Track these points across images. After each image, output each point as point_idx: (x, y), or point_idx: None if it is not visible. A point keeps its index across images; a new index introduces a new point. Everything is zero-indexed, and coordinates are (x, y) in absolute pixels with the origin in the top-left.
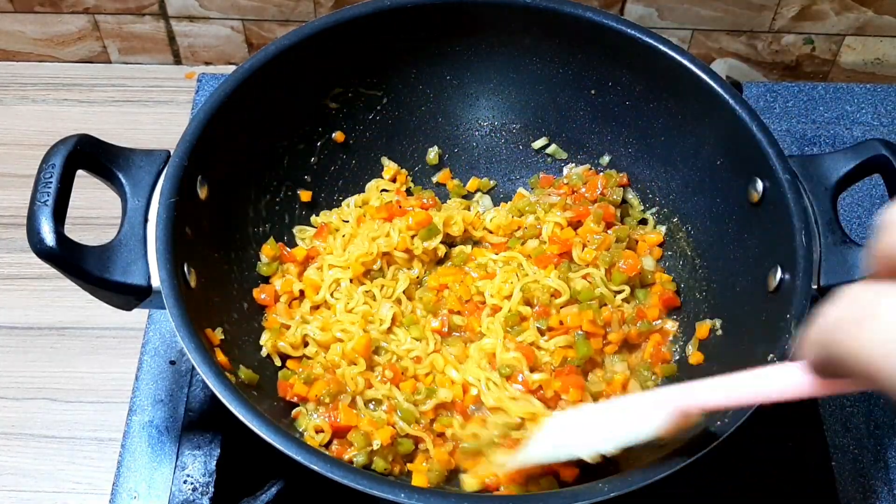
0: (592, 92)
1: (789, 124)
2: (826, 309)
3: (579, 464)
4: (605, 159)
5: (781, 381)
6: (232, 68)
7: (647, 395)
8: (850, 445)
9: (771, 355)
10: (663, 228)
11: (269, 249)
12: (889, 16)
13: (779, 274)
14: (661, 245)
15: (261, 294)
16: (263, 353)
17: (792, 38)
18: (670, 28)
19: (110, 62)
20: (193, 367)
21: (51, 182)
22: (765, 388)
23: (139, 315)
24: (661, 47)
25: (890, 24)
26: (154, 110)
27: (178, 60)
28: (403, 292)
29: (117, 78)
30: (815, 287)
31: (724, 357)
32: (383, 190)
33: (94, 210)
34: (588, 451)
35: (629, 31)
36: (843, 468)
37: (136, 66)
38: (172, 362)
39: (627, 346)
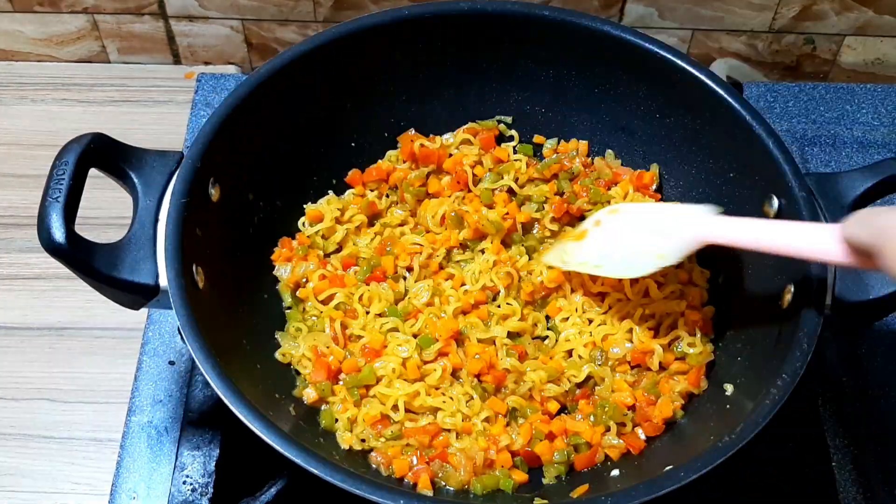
0: (608, 105)
1: (789, 124)
2: (888, 211)
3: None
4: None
5: (814, 240)
6: (231, 68)
7: (682, 212)
8: (850, 445)
9: (784, 375)
10: None
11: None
12: (889, 16)
13: (792, 291)
14: None
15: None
16: (277, 355)
17: (792, 38)
18: (670, 28)
19: (109, 62)
20: (193, 368)
21: (63, 179)
22: (796, 241)
23: (139, 315)
24: (680, 62)
25: (890, 23)
26: (153, 110)
27: (177, 60)
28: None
29: (116, 78)
30: (828, 305)
31: (735, 372)
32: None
33: (94, 210)
34: (615, 270)
35: (646, 45)
36: (843, 468)
37: (135, 66)
38: (172, 363)
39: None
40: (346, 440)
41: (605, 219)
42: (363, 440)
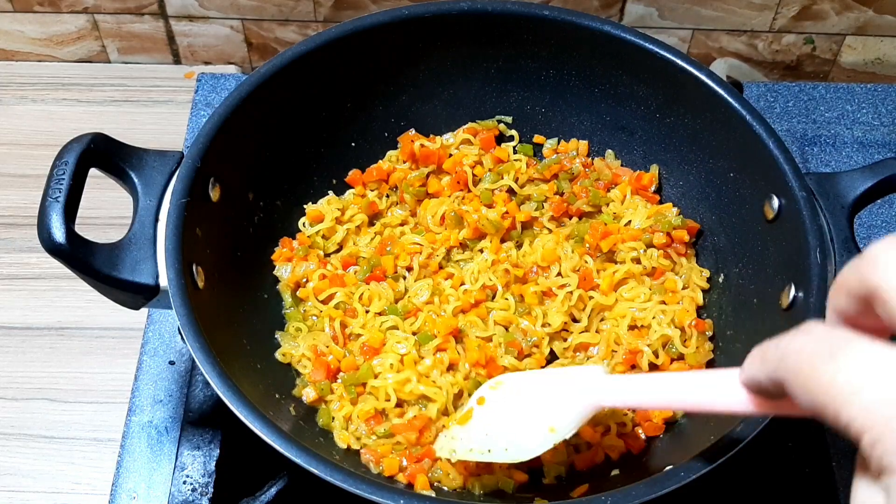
0: (608, 105)
1: (790, 124)
2: (792, 336)
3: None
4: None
5: (717, 392)
6: (232, 68)
7: (571, 376)
8: (851, 446)
9: None
10: None
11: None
12: (889, 15)
13: (792, 291)
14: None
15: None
16: (277, 355)
17: (792, 38)
18: (670, 28)
19: (109, 62)
20: (193, 368)
21: (63, 178)
22: (698, 396)
23: (138, 315)
24: (680, 62)
25: (890, 23)
26: (153, 110)
27: (177, 60)
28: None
29: (116, 78)
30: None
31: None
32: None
33: (94, 210)
34: (506, 455)
35: (646, 45)
36: (843, 468)
37: (135, 66)
38: (172, 362)
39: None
40: (342, 439)
41: (488, 395)
42: (358, 438)
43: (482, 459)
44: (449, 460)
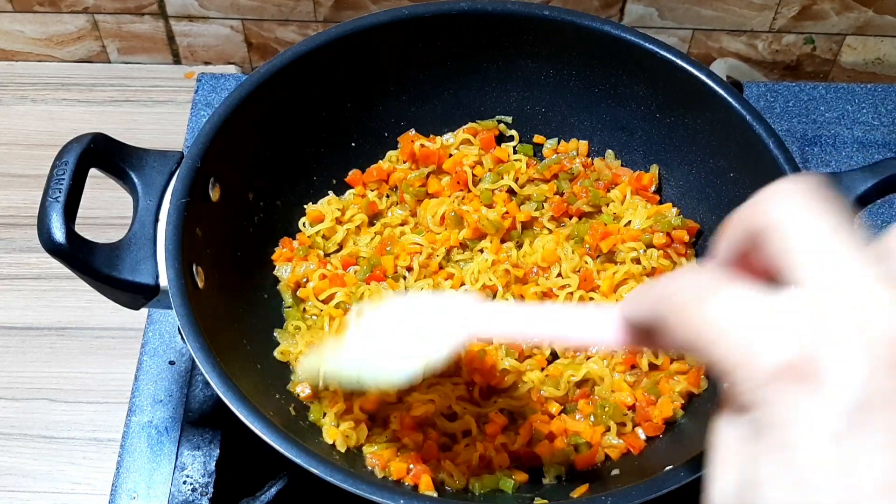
0: (608, 105)
1: (789, 124)
2: (671, 277)
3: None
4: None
5: (591, 324)
6: (232, 68)
7: (447, 303)
8: None
9: None
10: None
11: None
12: (889, 15)
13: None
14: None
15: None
16: (276, 353)
17: (792, 38)
18: (670, 28)
19: (109, 62)
20: (193, 368)
21: (63, 178)
22: (572, 328)
23: (138, 315)
24: (680, 62)
25: (890, 23)
26: (153, 110)
27: (177, 60)
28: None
29: (116, 78)
30: None
31: None
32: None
33: (94, 210)
34: (378, 378)
35: (646, 45)
36: None
37: (135, 66)
38: (172, 362)
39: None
40: (330, 434)
41: (367, 311)
42: (347, 436)
43: (349, 385)
44: (450, 460)
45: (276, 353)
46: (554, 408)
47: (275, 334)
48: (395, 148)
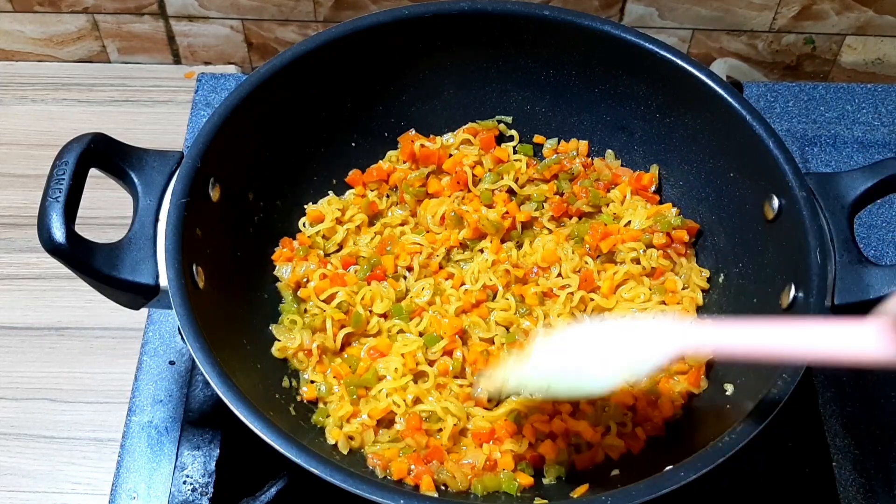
0: (608, 105)
1: (790, 124)
2: None
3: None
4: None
5: (850, 340)
6: (232, 68)
7: (664, 323)
8: (851, 446)
9: (784, 375)
10: None
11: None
12: (889, 15)
13: (792, 291)
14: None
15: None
16: (274, 350)
17: (792, 38)
18: (670, 28)
19: (109, 62)
20: (193, 368)
21: (63, 179)
22: (826, 345)
23: (138, 315)
24: (680, 62)
25: (890, 23)
26: (153, 110)
27: (177, 60)
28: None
29: (116, 78)
30: (828, 305)
31: (735, 372)
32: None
33: (94, 210)
34: (583, 383)
35: (646, 45)
36: (843, 468)
37: (135, 66)
38: (172, 362)
39: None
40: (333, 435)
41: (555, 336)
42: (351, 437)
43: (539, 395)
44: (454, 462)
45: (274, 350)
46: (564, 408)
47: (270, 328)
48: (395, 148)
